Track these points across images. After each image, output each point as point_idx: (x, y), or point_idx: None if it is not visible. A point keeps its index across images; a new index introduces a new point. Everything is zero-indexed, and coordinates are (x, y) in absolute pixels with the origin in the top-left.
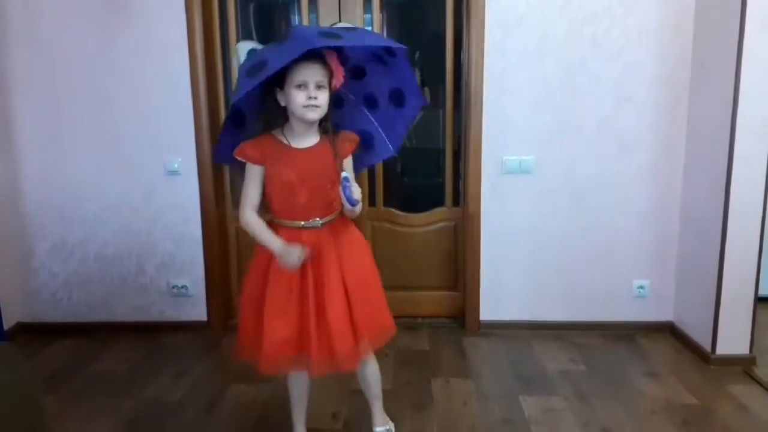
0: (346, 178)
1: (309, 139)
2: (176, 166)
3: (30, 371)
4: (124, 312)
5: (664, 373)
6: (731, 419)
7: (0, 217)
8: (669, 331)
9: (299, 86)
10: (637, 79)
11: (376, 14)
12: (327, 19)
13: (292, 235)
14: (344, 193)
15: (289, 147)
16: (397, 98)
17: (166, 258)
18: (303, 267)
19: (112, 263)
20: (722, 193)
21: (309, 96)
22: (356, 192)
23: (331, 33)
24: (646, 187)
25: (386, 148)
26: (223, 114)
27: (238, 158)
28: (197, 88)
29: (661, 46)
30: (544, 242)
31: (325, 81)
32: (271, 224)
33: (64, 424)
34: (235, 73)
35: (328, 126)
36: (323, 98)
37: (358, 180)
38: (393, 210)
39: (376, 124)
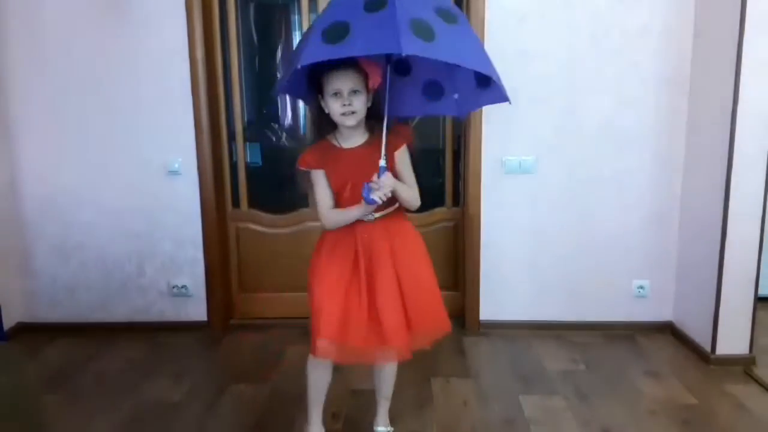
0: (381, 169)
1: (357, 139)
2: (176, 166)
3: (30, 371)
4: (124, 312)
5: (664, 372)
6: (731, 419)
7: (0, 218)
8: (669, 331)
9: (335, 94)
10: (637, 79)
11: None
12: None
13: (345, 229)
14: (363, 191)
15: (340, 148)
16: (484, 81)
17: (166, 258)
18: (355, 260)
19: (113, 263)
20: (722, 193)
21: (343, 104)
22: (379, 191)
23: (424, 28)
24: (646, 187)
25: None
26: (223, 114)
27: (302, 169)
28: (197, 88)
29: (661, 46)
30: (544, 242)
31: (359, 85)
32: None
33: (64, 424)
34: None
35: (373, 125)
36: (359, 103)
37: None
38: None
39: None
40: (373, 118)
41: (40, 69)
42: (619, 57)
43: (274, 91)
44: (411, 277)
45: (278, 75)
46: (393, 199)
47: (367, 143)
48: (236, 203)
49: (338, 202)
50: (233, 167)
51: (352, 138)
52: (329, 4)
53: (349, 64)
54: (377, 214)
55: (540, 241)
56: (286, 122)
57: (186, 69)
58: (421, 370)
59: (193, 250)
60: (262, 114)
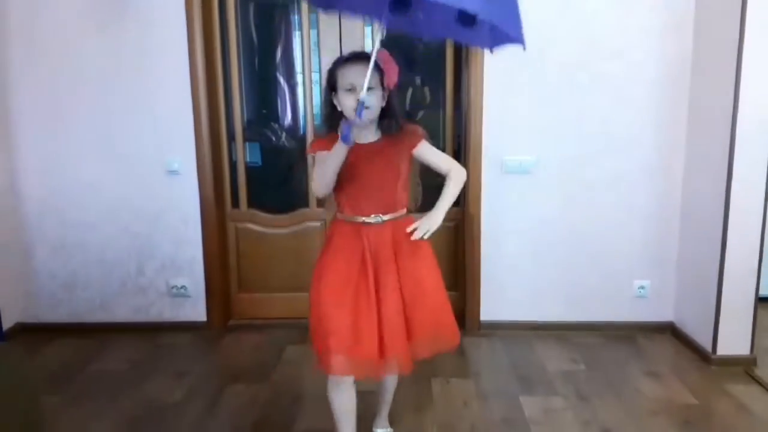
0: (361, 103)
1: (369, 137)
2: (176, 165)
3: (30, 371)
4: (123, 312)
5: (665, 373)
6: (731, 419)
7: (0, 218)
8: (669, 331)
9: (349, 90)
10: (637, 79)
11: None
12: (327, 19)
13: (353, 230)
14: (340, 128)
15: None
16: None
17: (166, 258)
18: (363, 263)
19: (112, 263)
20: (723, 193)
21: (357, 99)
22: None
23: None
24: (647, 187)
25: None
26: (222, 114)
27: (311, 154)
28: (197, 87)
29: (661, 46)
30: (545, 242)
31: (375, 81)
32: (336, 220)
33: (64, 424)
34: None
35: (387, 124)
36: (374, 99)
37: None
38: None
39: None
40: (386, 119)
41: (41, 69)
42: (619, 57)
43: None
44: (414, 285)
45: (278, 75)
46: (401, 204)
47: (380, 142)
48: (236, 203)
49: (343, 198)
50: (233, 167)
51: (365, 136)
52: None
53: (366, 58)
54: (385, 217)
55: (540, 242)
56: (286, 122)
57: (186, 69)
58: (421, 371)
59: (193, 250)
60: (262, 114)
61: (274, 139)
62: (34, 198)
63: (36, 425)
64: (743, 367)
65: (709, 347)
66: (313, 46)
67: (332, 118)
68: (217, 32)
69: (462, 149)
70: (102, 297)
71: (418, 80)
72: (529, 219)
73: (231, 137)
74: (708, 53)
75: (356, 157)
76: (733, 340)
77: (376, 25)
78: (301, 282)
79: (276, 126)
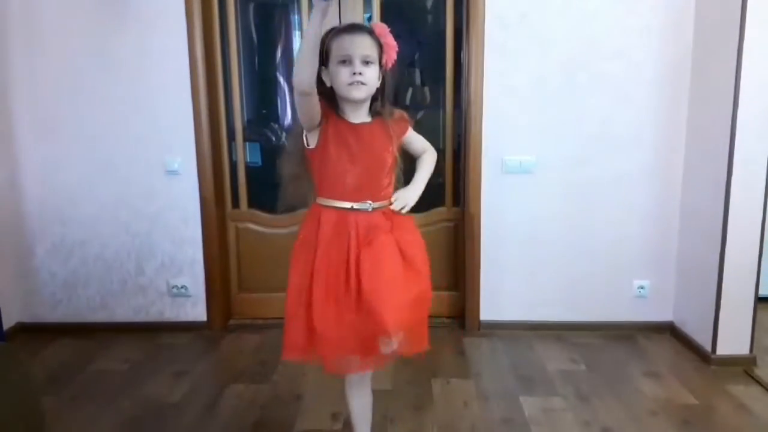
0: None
1: (362, 116)
2: (176, 165)
3: (30, 371)
4: (123, 312)
5: (664, 373)
6: (731, 419)
7: (0, 217)
8: (669, 331)
9: (343, 61)
10: (637, 79)
11: (377, 14)
12: (327, 19)
13: (339, 217)
14: None
15: (344, 120)
16: None
17: (166, 258)
18: (349, 251)
19: (112, 263)
20: (722, 193)
21: (353, 72)
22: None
23: None
24: (646, 186)
25: None
26: (223, 114)
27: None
28: (197, 87)
29: (661, 46)
30: (545, 242)
31: (373, 55)
32: (316, 206)
33: (64, 424)
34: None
35: (378, 107)
36: (371, 75)
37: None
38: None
39: None
40: (379, 100)
41: (41, 68)
42: (619, 57)
43: None
44: (404, 259)
45: (278, 75)
46: (387, 193)
47: (372, 124)
48: (236, 203)
49: (333, 180)
50: (233, 167)
51: (358, 115)
52: None
53: (364, 29)
54: (375, 204)
55: (540, 241)
56: (285, 122)
57: (186, 69)
58: (421, 371)
59: (193, 250)
60: (262, 114)
61: (274, 139)
62: (34, 197)
63: (36, 425)
64: (743, 366)
65: (708, 347)
66: None
67: (324, 98)
68: (217, 32)
69: (462, 149)
70: (102, 297)
71: (418, 80)
72: (529, 219)
73: (231, 137)
74: (708, 53)
75: (347, 136)
76: (733, 340)
77: None
78: None
79: (276, 126)
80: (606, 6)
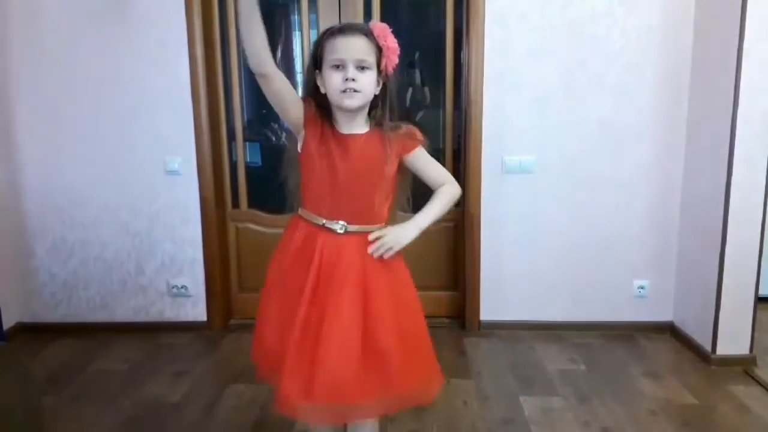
0: None
1: (355, 127)
2: (176, 166)
3: (30, 371)
4: (123, 312)
5: (664, 373)
6: (731, 419)
7: (0, 217)
8: (669, 331)
9: (336, 66)
10: (637, 79)
11: (377, 14)
12: (327, 19)
13: (309, 233)
14: None
15: (333, 129)
16: None
17: (166, 258)
18: (308, 273)
19: (112, 263)
20: (722, 193)
21: (345, 78)
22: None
23: None
24: (646, 186)
25: None
26: (223, 114)
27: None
28: (197, 87)
29: (661, 46)
30: (544, 242)
31: (370, 60)
32: (296, 215)
33: (64, 424)
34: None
35: (377, 114)
36: (366, 81)
37: None
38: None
39: None
40: (379, 109)
41: (41, 68)
42: (619, 57)
43: None
44: (386, 310)
45: None
46: (377, 216)
47: (366, 136)
48: (236, 203)
49: (313, 190)
50: (233, 167)
51: (350, 126)
52: None
53: (361, 30)
54: (351, 228)
55: (540, 241)
56: (285, 122)
57: (186, 69)
58: None
59: (193, 250)
60: (262, 114)
61: (274, 139)
62: (34, 197)
63: (36, 425)
64: (743, 366)
65: (708, 347)
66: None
67: (315, 103)
68: (217, 32)
69: (462, 149)
70: (102, 297)
71: (418, 80)
72: (528, 219)
73: (231, 137)
74: (708, 53)
75: (332, 147)
76: (733, 340)
77: None
78: None
79: (276, 126)
80: (606, 6)
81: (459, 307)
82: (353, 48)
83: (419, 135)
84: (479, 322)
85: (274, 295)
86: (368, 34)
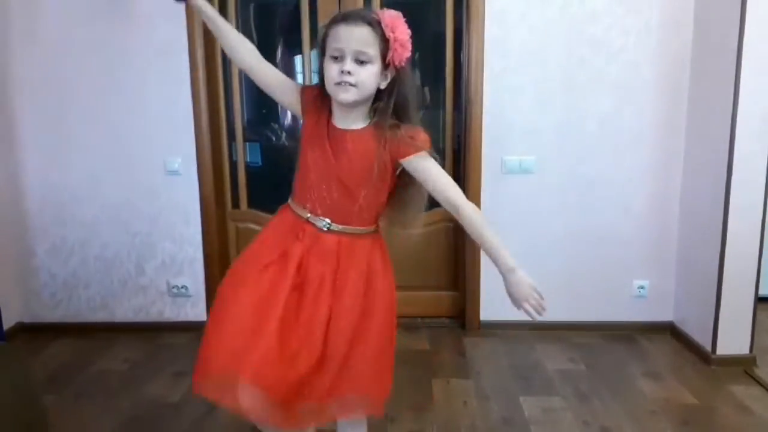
0: None
1: (351, 122)
2: (176, 166)
3: (30, 371)
4: (123, 312)
5: (664, 373)
6: (731, 419)
7: (0, 217)
8: (669, 331)
9: (335, 57)
10: (637, 79)
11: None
12: (327, 18)
13: (293, 223)
14: None
15: (328, 121)
16: None
17: (166, 258)
18: (288, 270)
19: (112, 263)
20: (722, 193)
21: (341, 70)
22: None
23: None
24: (646, 186)
25: None
26: (223, 114)
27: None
28: (197, 87)
29: (661, 46)
30: (544, 242)
31: (371, 53)
32: (285, 205)
33: (64, 424)
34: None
35: (379, 107)
36: (364, 75)
37: None
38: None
39: None
40: (382, 102)
41: (41, 68)
42: (619, 57)
43: None
44: (343, 318)
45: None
46: (367, 218)
47: (361, 132)
48: (236, 203)
49: (302, 182)
50: (233, 167)
51: (346, 120)
52: None
53: (365, 19)
54: (335, 227)
55: (540, 241)
56: (285, 122)
57: (186, 69)
58: (421, 371)
59: (193, 250)
60: (262, 114)
61: (274, 139)
62: (34, 197)
63: (36, 425)
64: (743, 367)
65: (708, 347)
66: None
67: (319, 91)
68: None
69: (462, 149)
70: (102, 297)
71: (418, 80)
72: (528, 219)
73: (231, 137)
74: (708, 53)
75: (325, 140)
76: (733, 340)
77: None
78: None
79: (276, 126)
80: (606, 6)
81: (459, 307)
82: (353, 38)
83: (421, 140)
84: (479, 322)
85: (249, 270)
86: (373, 23)
